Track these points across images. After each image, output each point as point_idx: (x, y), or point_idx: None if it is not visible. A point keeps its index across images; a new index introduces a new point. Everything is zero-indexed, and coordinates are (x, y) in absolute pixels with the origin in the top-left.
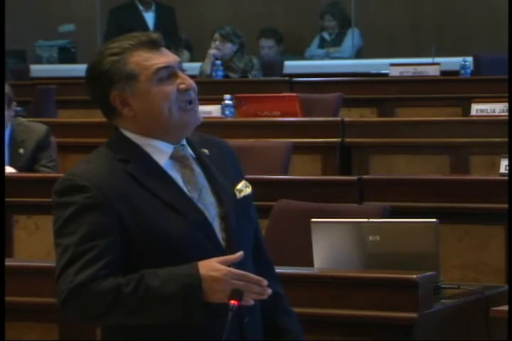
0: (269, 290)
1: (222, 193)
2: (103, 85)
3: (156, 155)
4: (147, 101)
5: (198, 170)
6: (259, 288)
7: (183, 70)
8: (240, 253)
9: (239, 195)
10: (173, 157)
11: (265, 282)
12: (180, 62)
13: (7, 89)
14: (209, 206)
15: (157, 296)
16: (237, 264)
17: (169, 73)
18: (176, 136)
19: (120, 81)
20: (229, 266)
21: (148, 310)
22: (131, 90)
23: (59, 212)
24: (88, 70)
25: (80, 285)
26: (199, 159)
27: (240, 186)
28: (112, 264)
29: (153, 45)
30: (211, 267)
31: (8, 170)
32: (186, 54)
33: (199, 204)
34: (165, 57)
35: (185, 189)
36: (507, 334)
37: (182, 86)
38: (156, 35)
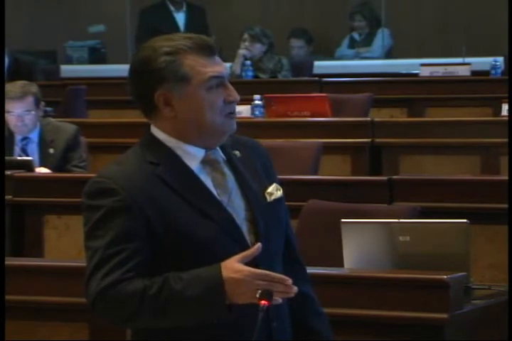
0: (295, 288)
1: (252, 196)
2: (152, 82)
3: (187, 159)
4: (192, 106)
5: (228, 173)
6: (283, 287)
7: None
8: (258, 245)
9: (269, 198)
10: (204, 161)
11: (289, 280)
12: (228, 73)
13: (35, 89)
14: (238, 209)
15: (180, 299)
16: (266, 266)
17: (219, 83)
18: (210, 143)
19: (171, 81)
20: (257, 267)
21: (172, 313)
22: (178, 92)
23: (89, 214)
24: (138, 65)
25: (106, 288)
26: (230, 162)
27: (270, 189)
28: (139, 267)
29: (208, 51)
30: (233, 268)
31: (41, 170)
32: None
33: (228, 208)
34: (218, 67)
35: (215, 192)
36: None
37: (230, 98)
38: (211, 42)
